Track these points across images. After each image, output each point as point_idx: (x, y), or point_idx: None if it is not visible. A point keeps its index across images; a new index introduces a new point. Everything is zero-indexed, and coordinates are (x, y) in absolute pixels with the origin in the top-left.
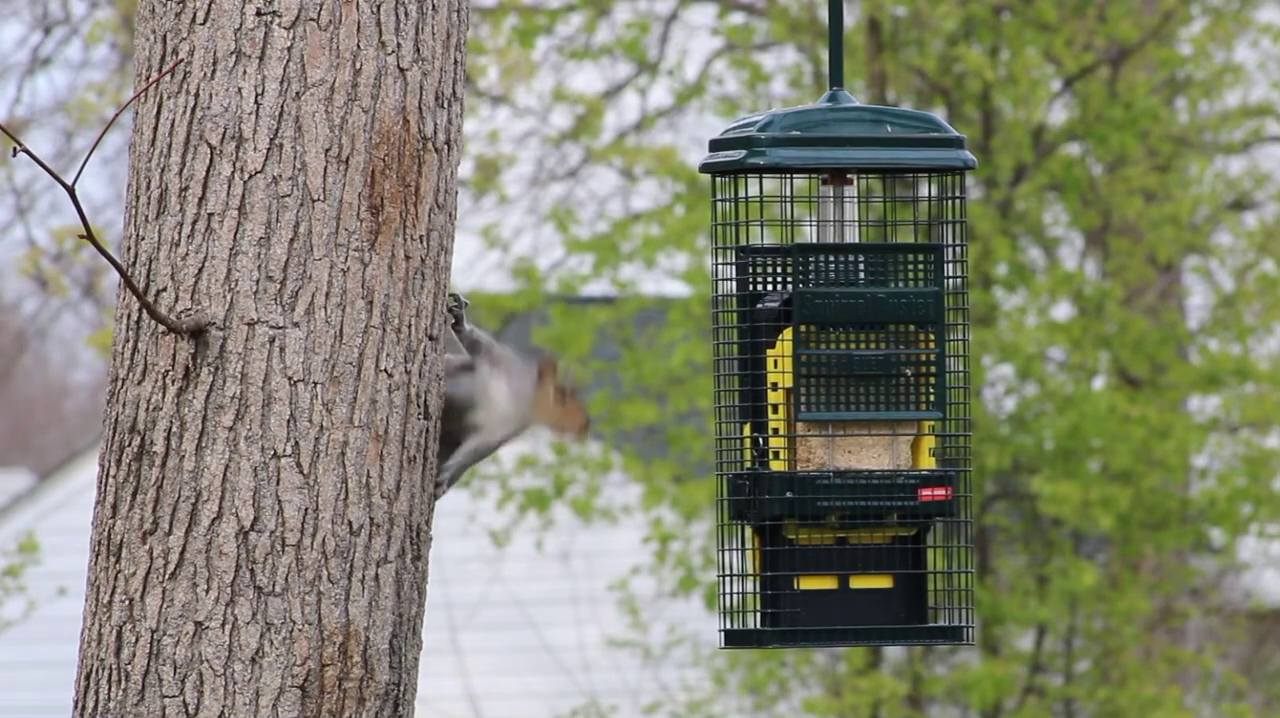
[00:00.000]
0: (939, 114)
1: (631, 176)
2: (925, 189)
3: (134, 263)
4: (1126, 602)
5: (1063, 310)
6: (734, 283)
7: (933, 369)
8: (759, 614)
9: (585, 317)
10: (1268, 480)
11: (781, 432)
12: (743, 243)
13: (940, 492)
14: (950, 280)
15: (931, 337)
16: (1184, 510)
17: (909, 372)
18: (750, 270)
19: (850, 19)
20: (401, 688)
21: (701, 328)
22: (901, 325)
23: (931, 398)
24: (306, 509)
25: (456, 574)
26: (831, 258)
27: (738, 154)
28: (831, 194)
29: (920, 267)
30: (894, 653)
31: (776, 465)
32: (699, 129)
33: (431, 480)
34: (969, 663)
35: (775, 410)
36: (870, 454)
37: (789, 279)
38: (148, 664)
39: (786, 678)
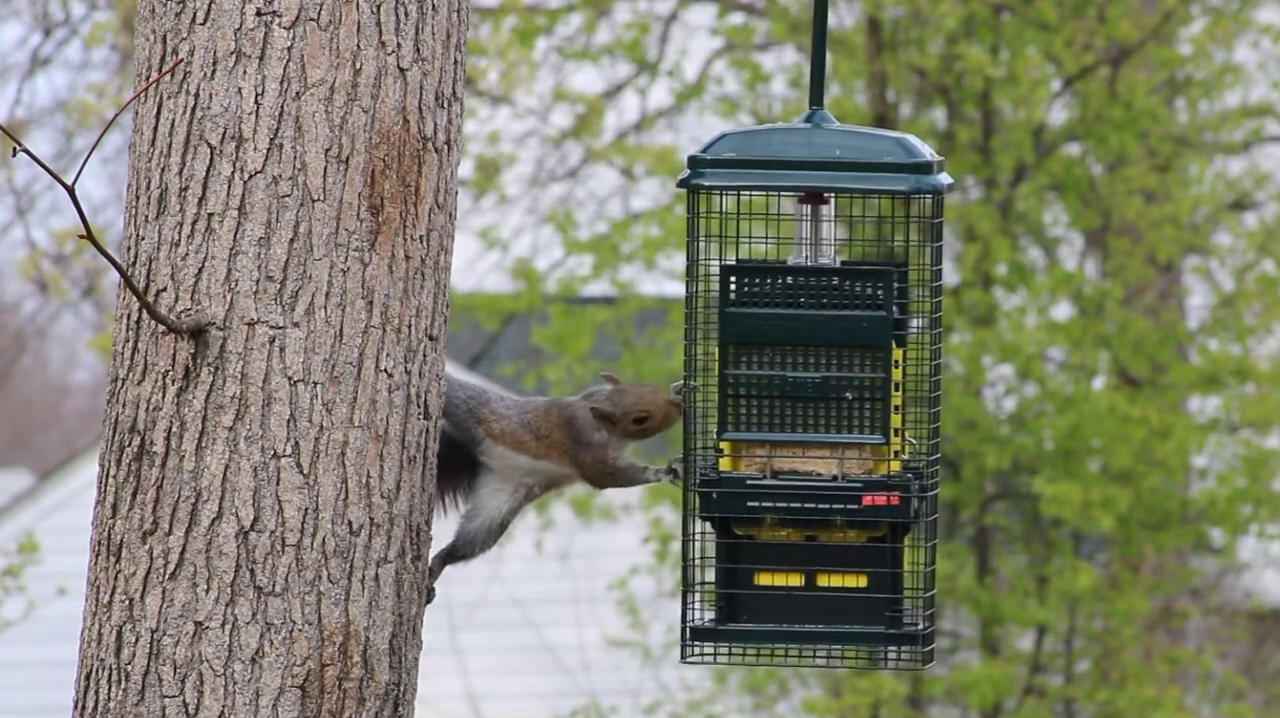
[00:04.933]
0: (939, 114)
1: (631, 176)
2: (904, 211)
3: (134, 263)
4: (1126, 602)
5: (1063, 310)
6: (697, 296)
7: (878, 394)
8: (716, 610)
9: (585, 317)
10: (1268, 481)
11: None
12: (710, 256)
13: (883, 498)
14: (930, 300)
15: (878, 360)
16: (1184, 511)
17: (849, 395)
18: (712, 284)
19: (850, 19)
20: (401, 688)
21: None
22: (843, 349)
23: (876, 422)
24: (306, 509)
25: (457, 574)
26: (765, 279)
27: (688, 173)
28: (808, 213)
29: (867, 290)
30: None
31: (723, 465)
32: (699, 129)
33: (432, 480)
34: (969, 663)
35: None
36: (818, 459)
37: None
38: (148, 664)
39: (786, 678)
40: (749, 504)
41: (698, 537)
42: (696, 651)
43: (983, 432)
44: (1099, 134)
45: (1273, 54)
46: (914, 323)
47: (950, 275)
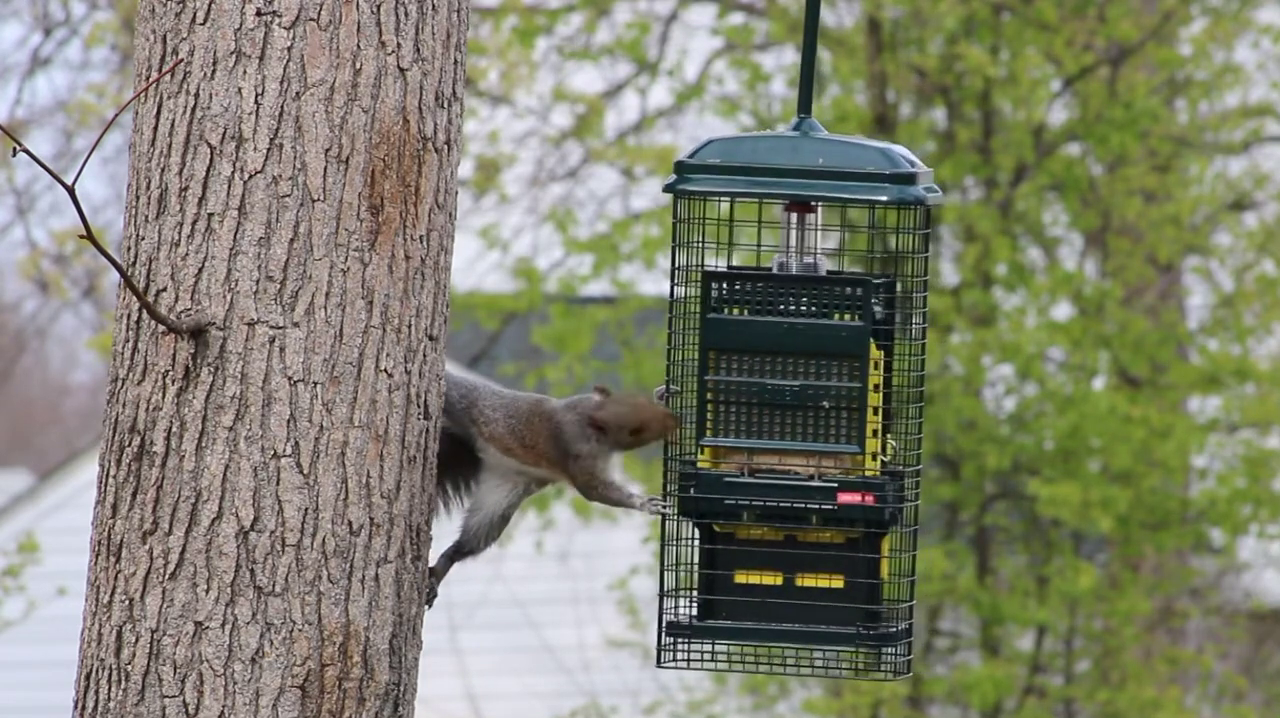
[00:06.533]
0: (939, 114)
1: (632, 176)
2: (888, 221)
3: (134, 263)
4: (1126, 602)
5: (1063, 310)
6: (686, 300)
7: (855, 404)
8: (694, 607)
9: (585, 316)
10: (1268, 481)
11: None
12: (698, 261)
13: (857, 497)
14: (916, 311)
15: (855, 370)
16: (1184, 511)
17: (827, 403)
18: (697, 289)
19: (850, 19)
20: (401, 688)
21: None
22: (822, 357)
23: (853, 432)
24: (306, 509)
25: (456, 574)
26: (747, 285)
27: (673, 178)
28: (793, 221)
29: (846, 299)
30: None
31: (701, 462)
32: (699, 129)
33: (432, 480)
34: (969, 663)
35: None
36: (797, 458)
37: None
38: (148, 664)
39: (786, 678)
40: (726, 502)
41: (675, 542)
42: (672, 654)
43: (983, 432)
44: (1099, 134)
45: (1273, 54)
46: (899, 331)
47: (950, 275)
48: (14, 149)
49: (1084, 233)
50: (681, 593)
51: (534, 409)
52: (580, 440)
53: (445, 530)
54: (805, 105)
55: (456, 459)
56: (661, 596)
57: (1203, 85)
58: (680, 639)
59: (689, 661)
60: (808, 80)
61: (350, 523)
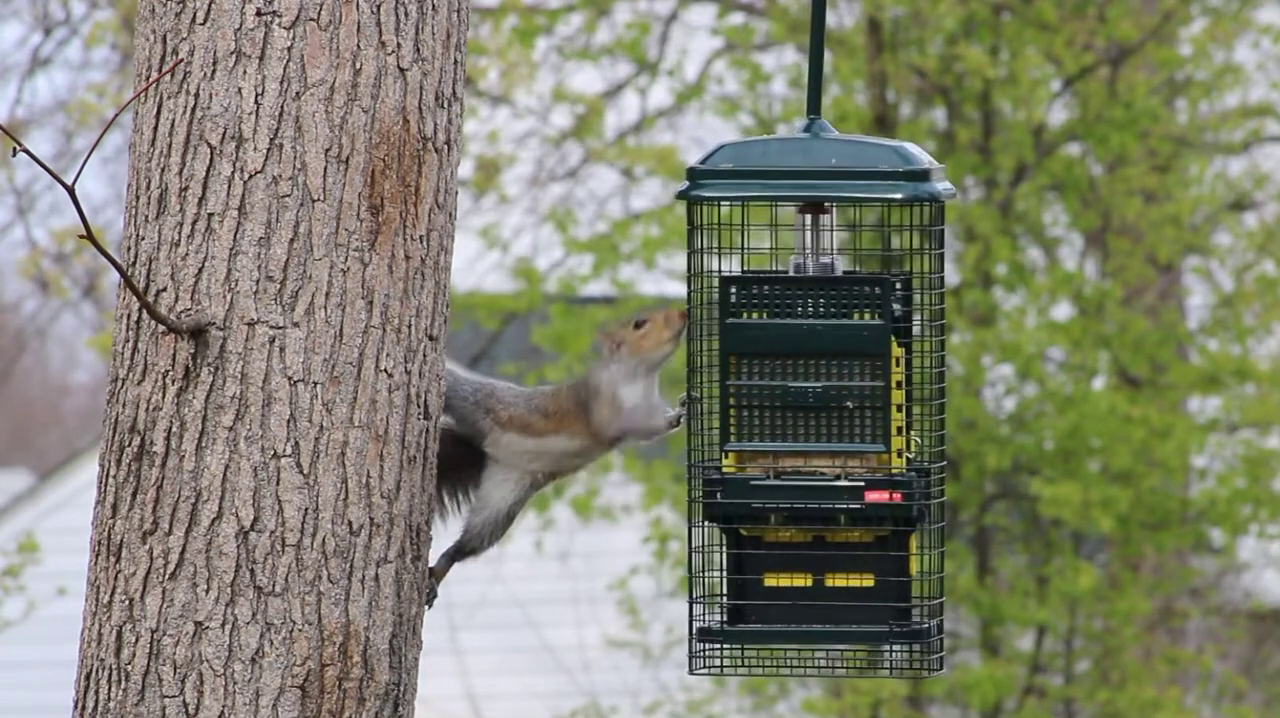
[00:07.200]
0: (939, 115)
1: (632, 177)
2: (902, 218)
3: (134, 263)
4: (1126, 602)
5: (1063, 310)
6: (701, 306)
7: (878, 403)
8: (724, 612)
9: (585, 316)
10: (1268, 481)
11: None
12: (712, 266)
13: (885, 495)
14: (932, 308)
15: (878, 369)
16: (1184, 511)
17: (850, 404)
18: (716, 293)
19: (850, 19)
20: (401, 688)
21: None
22: (843, 358)
23: (878, 431)
24: (306, 509)
25: (456, 574)
26: (765, 289)
27: (686, 185)
28: (808, 222)
29: (865, 299)
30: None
31: (726, 467)
32: (699, 129)
33: (432, 480)
34: (969, 663)
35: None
36: (822, 459)
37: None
38: (148, 664)
39: (786, 678)
40: (753, 506)
41: (703, 546)
42: (704, 661)
43: (983, 432)
44: (1099, 134)
45: (1273, 54)
46: (916, 328)
47: (950, 275)
48: (14, 149)
49: (1084, 233)
50: (705, 597)
51: (558, 387)
52: (599, 370)
53: (448, 535)
54: (815, 106)
55: (455, 464)
56: (691, 602)
57: (1203, 85)
58: (711, 645)
59: (721, 666)
60: (816, 80)
61: (350, 523)
